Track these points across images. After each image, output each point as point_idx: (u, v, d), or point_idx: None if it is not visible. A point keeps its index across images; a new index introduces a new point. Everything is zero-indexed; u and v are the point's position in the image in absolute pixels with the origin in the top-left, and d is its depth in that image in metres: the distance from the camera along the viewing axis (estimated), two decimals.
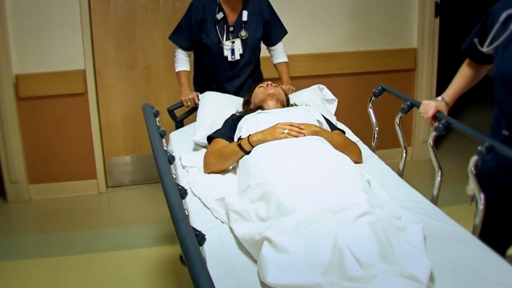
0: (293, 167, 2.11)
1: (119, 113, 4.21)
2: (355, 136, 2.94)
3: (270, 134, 2.42)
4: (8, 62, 3.82)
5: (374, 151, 2.85)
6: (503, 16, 2.02)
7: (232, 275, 1.75)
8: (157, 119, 2.59)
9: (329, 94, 3.29)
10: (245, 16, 3.19)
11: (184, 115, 3.33)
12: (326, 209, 1.80)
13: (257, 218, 1.96)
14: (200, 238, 1.48)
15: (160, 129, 2.33)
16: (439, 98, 2.33)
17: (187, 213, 1.91)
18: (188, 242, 1.35)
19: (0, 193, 4.11)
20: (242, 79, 3.32)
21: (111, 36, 4.07)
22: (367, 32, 4.36)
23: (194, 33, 3.20)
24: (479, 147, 2.00)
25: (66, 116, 4.06)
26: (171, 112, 3.30)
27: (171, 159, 2.01)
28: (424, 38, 4.40)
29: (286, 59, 3.47)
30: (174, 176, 2.18)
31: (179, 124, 3.31)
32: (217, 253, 1.88)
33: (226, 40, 3.17)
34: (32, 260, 3.21)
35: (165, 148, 2.18)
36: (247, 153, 2.41)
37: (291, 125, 2.44)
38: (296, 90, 3.29)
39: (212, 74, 3.32)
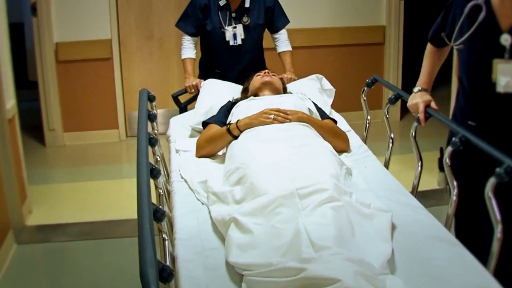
0: (272, 152, 2.16)
1: (137, 75, 5.16)
2: (348, 126, 2.96)
3: (257, 119, 2.46)
4: (50, 32, 4.77)
5: (365, 141, 2.85)
6: (467, 7, 1.96)
7: (201, 255, 1.78)
8: (154, 103, 2.74)
9: (327, 84, 3.30)
10: (247, 2, 3.28)
11: (188, 101, 3.41)
12: (294, 193, 1.84)
13: (233, 201, 2.00)
14: (160, 216, 1.57)
15: (151, 112, 2.45)
16: (416, 89, 2.29)
17: (163, 193, 2.02)
18: (143, 218, 1.44)
19: (40, 139, 5.04)
20: (243, 65, 3.39)
21: (132, 11, 5.02)
22: (345, 11, 5.30)
23: (199, 19, 3.31)
24: (454, 138, 1.97)
25: (95, 76, 5.02)
26: (175, 98, 3.38)
27: (154, 142, 2.14)
28: (391, 17, 5.34)
29: (289, 48, 3.52)
30: (158, 158, 2.28)
31: (183, 109, 3.39)
32: (192, 235, 1.91)
33: (228, 25, 3.28)
34: (65, 184, 4.31)
35: (153, 131, 2.33)
36: (235, 137, 2.45)
37: (278, 111, 2.49)
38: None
39: (215, 60, 3.42)
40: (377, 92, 5.04)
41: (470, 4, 1.94)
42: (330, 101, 3.22)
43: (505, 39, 1.85)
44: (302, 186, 1.86)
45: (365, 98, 2.92)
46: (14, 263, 3.05)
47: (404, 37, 5.44)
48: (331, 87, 3.28)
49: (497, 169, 1.70)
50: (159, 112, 4.98)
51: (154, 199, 1.70)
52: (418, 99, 2.23)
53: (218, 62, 3.41)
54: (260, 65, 3.44)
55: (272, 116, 2.44)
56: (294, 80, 3.30)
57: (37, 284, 2.94)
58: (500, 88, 1.89)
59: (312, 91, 3.10)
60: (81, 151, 4.95)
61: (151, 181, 1.84)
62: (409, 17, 5.39)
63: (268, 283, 1.50)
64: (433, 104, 2.21)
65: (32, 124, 5.09)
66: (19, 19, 5.21)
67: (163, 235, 1.64)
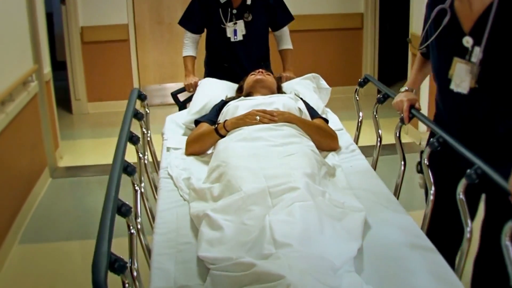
0: (252, 151, 2.19)
1: (150, 54, 6.15)
2: (340, 125, 2.94)
3: (243, 120, 2.49)
4: (76, 18, 5.78)
5: (356, 139, 2.84)
6: (434, 12, 2.00)
7: (174, 249, 1.81)
8: (146, 102, 2.75)
9: (323, 83, 3.27)
10: (249, 0, 3.29)
11: (187, 100, 3.40)
12: (265, 191, 1.86)
13: (211, 197, 2.03)
14: (125, 211, 1.57)
15: (138, 111, 2.47)
16: (403, 89, 2.30)
17: (139, 189, 2.02)
18: (106, 212, 1.48)
19: (67, 108, 6.07)
20: (249, 61, 3.34)
21: (146, 0, 5.97)
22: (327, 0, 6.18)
23: (201, 16, 3.35)
24: (431, 139, 1.99)
25: (114, 55, 6.01)
26: (174, 96, 3.41)
27: (135, 140, 2.18)
28: (368, 5, 6.16)
29: (290, 46, 3.51)
30: (140, 156, 2.31)
31: (182, 107, 3.39)
32: (169, 230, 1.95)
33: (230, 21, 3.29)
34: (89, 139, 5.47)
35: (141, 129, 2.47)
36: (223, 137, 2.48)
37: (264, 112, 2.50)
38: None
39: (220, 55, 3.43)
40: (356, 69, 6.35)
41: (436, 9, 1.97)
42: (326, 100, 3.22)
43: (466, 41, 1.87)
44: (274, 185, 1.89)
45: (357, 98, 2.90)
46: (49, 191, 4.12)
47: (380, 23, 6.28)
48: (327, 86, 3.26)
49: (468, 171, 1.71)
50: (168, 86, 5.90)
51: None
52: (403, 97, 2.24)
53: (224, 57, 3.42)
54: (266, 65, 3.45)
55: (258, 118, 2.47)
56: (292, 78, 3.31)
57: (67, 202, 4.07)
58: (453, 86, 1.91)
59: (307, 90, 3.10)
60: (101, 117, 5.92)
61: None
62: (385, 5, 6.23)
63: (226, 277, 1.54)
64: (417, 104, 2.22)
65: (60, 97, 5.83)
66: (48, 10, 5.88)
67: (131, 230, 1.67)
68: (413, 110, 2.20)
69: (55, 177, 4.30)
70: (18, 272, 3.06)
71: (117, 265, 1.34)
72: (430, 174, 2.02)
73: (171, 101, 3.49)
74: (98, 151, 4.95)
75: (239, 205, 1.84)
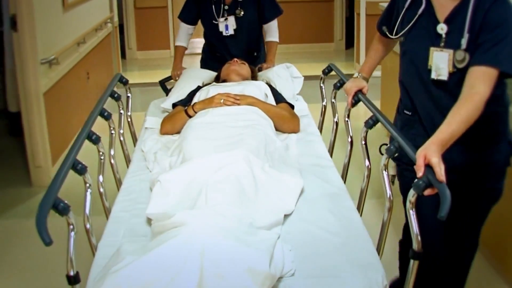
0: (210, 128, 2.41)
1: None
2: (307, 111, 3.16)
3: (209, 103, 2.72)
4: None
5: (321, 126, 3.07)
6: (408, 1, 2.07)
7: (132, 207, 2.05)
8: (127, 86, 2.99)
9: (296, 72, 3.51)
10: None
11: (172, 87, 3.59)
12: (211, 162, 2.08)
13: (168, 167, 2.28)
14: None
15: (116, 93, 2.74)
16: (356, 75, 2.42)
17: (104, 157, 2.28)
18: (64, 165, 1.75)
19: (122, 55, 7.75)
20: (240, 54, 3.55)
21: None
22: None
23: (195, 10, 3.62)
24: (389, 145, 1.98)
25: (157, 18, 8.25)
26: (162, 84, 3.66)
27: (107, 115, 2.43)
28: None
29: (276, 39, 3.73)
30: (112, 132, 2.56)
31: (169, 93, 3.59)
32: (131, 195, 2.21)
33: (222, 17, 3.53)
34: (138, 71, 7.74)
35: (119, 109, 2.72)
36: (191, 117, 2.71)
37: (228, 95, 2.73)
38: None
39: (214, 45, 3.72)
40: (328, 24, 8.57)
41: None
42: (299, 88, 3.44)
43: (441, 28, 1.95)
44: (223, 157, 2.10)
45: (322, 86, 3.09)
46: None
47: None
48: (300, 75, 3.50)
49: (416, 180, 1.67)
50: (196, 40, 6.38)
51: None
52: (351, 83, 2.40)
53: (217, 47, 3.71)
54: (257, 56, 3.73)
55: (222, 100, 2.70)
56: (268, 68, 3.55)
57: None
58: (433, 75, 1.98)
59: (280, 79, 3.33)
60: (147, 62, 8.07)
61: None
62: None
63: (156, 226, 1.79)
64: (365, 89, 2.37)
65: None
66: None
67: (87, 186, 1.96)
68: (359, 94, 2.35)
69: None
70: None
71: (61, 207, 1.55)
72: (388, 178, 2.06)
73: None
74: (146, 78, 6.87)
75: (187, 172, 2.06)
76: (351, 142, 2.54)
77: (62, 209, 1.59)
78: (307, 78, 3.70)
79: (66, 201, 1.60)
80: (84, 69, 5.08)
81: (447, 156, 1.69)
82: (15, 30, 3.70)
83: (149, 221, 1.93)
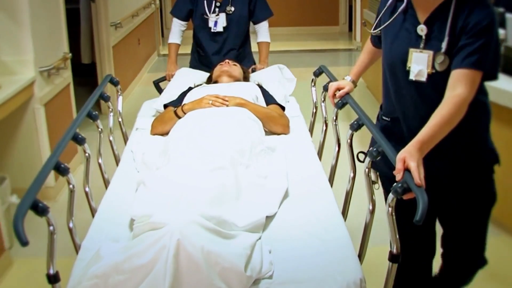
0: (197, 129, 2.40)
1: None
2: (298, 111, 3.19)
3: (198, 104, 2.73)
4: None
5: (311, 127, 3.08)
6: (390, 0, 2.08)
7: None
8: (118, 87, 2.99)
9: (288, 74, 3.52)
10: None
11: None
12: (196, 163, 2.09)
13: (155, 168, 2.28)
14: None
15: (105, 94, 2.73)
16: (347, 77, 2.45)
17: (88, 157, 2.28)
18: (46, 166, 1.79)
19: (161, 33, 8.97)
20: (225, 51, 3.64)
21: None
22: None
23: (187, 5, 3.68)
24: (371, 148, 1.98)
25: None
26: (156, 84, 3.69)
27: (94, 116, 2.43)
28: None
29: (267, 40, 3.76)
30: (100, 131, 2.55)
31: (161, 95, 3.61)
32: (118, 194, 2.24)
33: (212, 13, 3.59)
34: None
35: (108, 110, 2.73)
36: (180, 118, 2.71)
37: (216, 96, 2.74)
38: None
39: (201, 45, 3.73)
40: (333, 8, 9.91)
41: None
42: (291, 89, 3.45)
43: (421, 29, 1.94)
44: (206, 156, 2.12)
45: (314, 85, 3.09)
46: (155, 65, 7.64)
47: None
48: (292, 76, 3.50)
49: (394, 184, 1.68)
50: None
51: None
52: (334, 82, 2.46)
53: (204, 47, 3.73)
54: (245, 54, 3.75)
55: (211, 102, 2.71)
56: (260, 69, 3.58)
57: None
58: (412, 76, 1.97)
59: (272, 80, 3.34)
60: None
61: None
62: None
63: (137, 227, 1.80)
64: (346, 89, 2.39)
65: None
66: None
67: (70, 186, 1.96)
68: (348, 98, 2.37)
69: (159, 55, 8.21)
70: None
71: (40, 208, 1.58)
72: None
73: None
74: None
75: (171, 174, 2.07)
76: (339, 145, 2.55)
77: (41, 210, 1.62)
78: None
79: (44, 202, 1.63)
80: (136, 36, 6.82)
81: (432, 165, 1.69)
82: (93, 1, 5.32)
83: (132, 222, 1.95)
